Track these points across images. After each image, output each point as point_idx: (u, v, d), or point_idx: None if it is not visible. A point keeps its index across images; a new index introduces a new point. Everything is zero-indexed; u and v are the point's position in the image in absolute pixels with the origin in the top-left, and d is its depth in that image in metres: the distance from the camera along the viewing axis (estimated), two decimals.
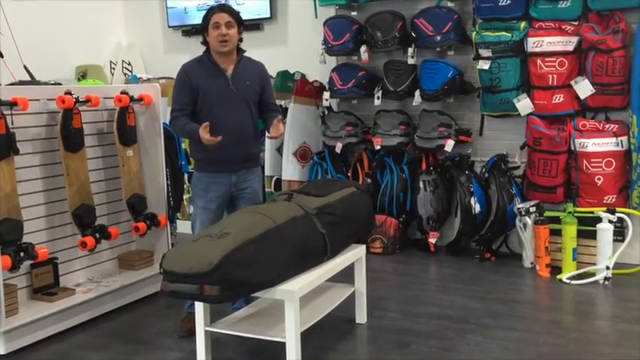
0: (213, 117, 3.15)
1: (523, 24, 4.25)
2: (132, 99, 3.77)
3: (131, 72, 5.95)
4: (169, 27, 5.97)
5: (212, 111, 3.17)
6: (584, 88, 4.12)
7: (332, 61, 5.11)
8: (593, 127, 4.13)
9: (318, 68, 5.15)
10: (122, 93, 3.74)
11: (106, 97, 3.75)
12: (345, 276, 3.30)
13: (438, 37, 4.48)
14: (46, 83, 3.81)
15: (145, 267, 3.94)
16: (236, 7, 3.53)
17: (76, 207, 3.47)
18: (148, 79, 5.52)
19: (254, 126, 3.35)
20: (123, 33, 6.23)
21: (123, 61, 5.99)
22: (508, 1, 4.26)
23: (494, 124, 4.61)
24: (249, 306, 3.10)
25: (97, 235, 3.57)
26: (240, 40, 3.28)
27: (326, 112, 5.09)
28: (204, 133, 3.03)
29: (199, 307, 2.81)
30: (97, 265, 3.84)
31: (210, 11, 3.24)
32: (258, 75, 3.34)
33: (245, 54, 3.33)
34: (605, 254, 3.88)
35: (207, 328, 2.84)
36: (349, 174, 4.97)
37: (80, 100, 3.48)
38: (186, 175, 4.52)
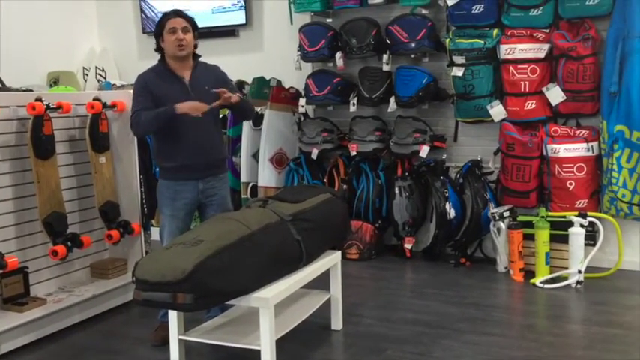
0: (177, 126, 3.13)
1: (495, 31, 4.31)
2: (105, 105, 3.73)
3: (105, 78, 5.89)
4: (144, 33, 5.93)
5: (173, 119, 3.13)
6: (555, 94, 4.18)
7: (307, 68, 5.12)
8: (565, 133, 4.19)
9: (293, 75, 5.15)
10: (95, 99, 3.70)
11: (78, 104, 3.71)
12: (321, 282, 3.29)
13: (413, 44, 4.52)
14: (17, 90, 3.75)
15: (118, 275, 3.88)
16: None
17: (46, 215, 3.41)
18: (122, 86, 5.46)
19: (217, 131, 3.34)
20: (96, 39, 6.17)
21: (96, 67, 5.93)
22: (481, 9, 4.32)
23: (469, 130, 4.66)
24: (223, 314, 3.08)
25: (69, 244, 3.52)
26: (195, 45, 3.27)
27: (302, 119, 5.09)
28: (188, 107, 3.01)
29: (173, 316, 2.78)
30: (68, 274, 3.78)
31: (165, 17, 3.22)
32: (216, 78, 3.31)
33: (202, 59, 3.33)
34: (577, 258, 3.94)
35: (181, 337, 2.81)
36: (325, 180, 4.97)
37: (51, 106, 3.43)
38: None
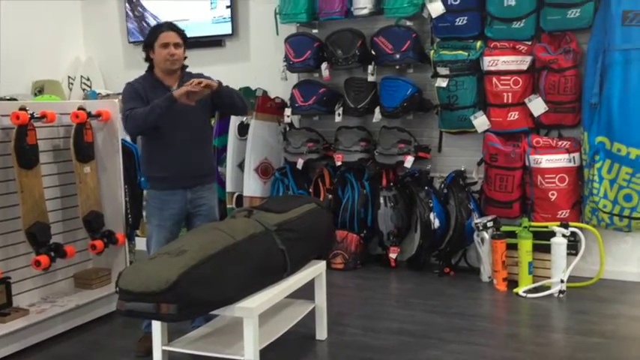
0: (164, 135, 3.14)
1: (479, 43, 4.36)
2: (89, 115, 3.71)
3: (90, 87, 5.87)
4: (130, 42, 5.93)
5: (162, 129, 3.13)
6: (537, 105, 4.24)
7: (293, 78, 5.15)
8: (547, 143, 4.24)
9: (279, 85, 5.18)
10: (79, 109, 3.69)
11: (62, 113, 3.69)
12: (306, 292, 3.30)
13: (397, 56, 4.56)
14: (1, 99, 3.73)
15: (101, 286, 3.86)
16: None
17: (30, 225, 3.39)
18: (107, 95, 5.46)
19: (206, 140, 3.35)
20: (82, 48, 6.16)
21: (82, 76, 5.92)
22: (464, 21, 4.38)
23: (453, 140, 4.70)
24: (207, 324, 3.07)
25: (52, 254, 3.49)
26: (185, 57, 3.29)
27: (287, 129, 5.11)
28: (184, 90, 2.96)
29: (157, 326, 2.77)
30: (51, 285, 3.75)
31: (158, 29, 3.23)
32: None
33: (188, 69, 3.34)
34: (560, 268, 3.98)
35: (164, 348, 2.80)
36: (311, 190, 4.99)
37: (35, 116, 3.41)
38: (145, 192, 4.47)
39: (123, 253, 3.95)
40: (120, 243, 3.87)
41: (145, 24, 5.77)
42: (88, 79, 5.93)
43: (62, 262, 3.72)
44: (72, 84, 5.89)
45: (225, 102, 3.27)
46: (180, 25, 3.32)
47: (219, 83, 3.18)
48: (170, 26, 3.25)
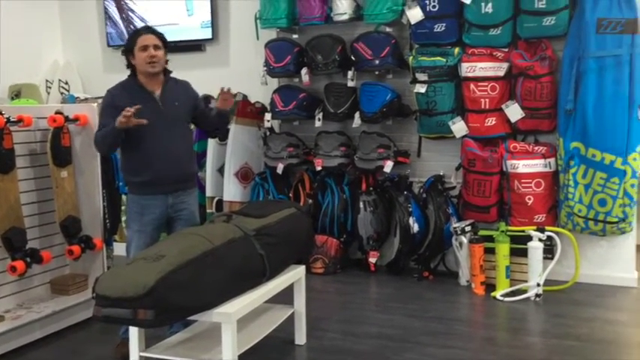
0: (146, 140, 3.13)
1: (457, 50, 4.41)
2: (67, 119, 3.69)
3: (68, 91, 5.82)
4: (109, 46, 5.89)
5: (144, 134, 3.13)
6: (514, 111, 4.30)
7: (273, 83, 5.15)
8: (524, 149, 4.30)
9: (259, 90, 5.18)
10: (57, 113, 3.66)
11: (39, 117, 3.66)
12: (285, 297, 3.30)
13: (377, 61, 4.59)
14: None
15: (79, 292, 3.83)
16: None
17: (5, 230, 3.35)
18: (86, 99, 5.41)
19: (187, 146, 3.35)
20: (60, 51, 6.10)
21: (60, 80, 5.86)
22: (443, 28, 4.42)
23: (431, 145, 4.74)
24: (186, 330, 3.06)
25: (28, 259, 3.46)
26: (166, 61, 3.28)
27: (267, 133, 5.11)
28: (121, 117, 2.97)
29: (134, 332, 2.75)
30: (27, 291, 3.71)
31: (136, 33, 3.23)
32: (186, 94, 3.35)
33: (172, 74, 3.34)
34: (536, 271, 4.03)
35: (142, 354, 2.78)
36: (291, 195, 4.99)
37: (12, 120, 3.38)
38: (124, 197, 4.44)
39: (100, 258, 3.92)
40: (97, 248, 3.84)
41: (132, 27, 5.72)
42: (67, 83, 5.88)
43: (38, 268, 3.69)
44: (50, 88, 5.84)
45: (212, 123, 3.35)
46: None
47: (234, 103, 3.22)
48: (148, 29, 3.25)
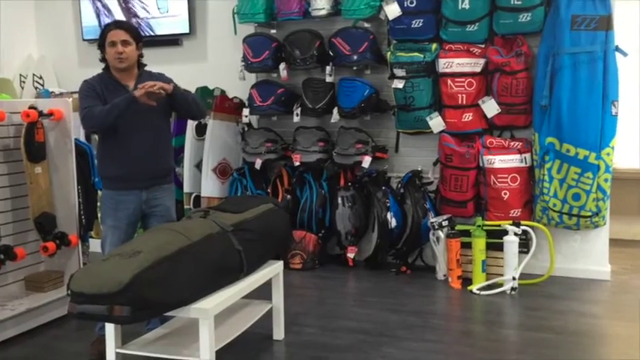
0: (121, 134, 3.10)
1: (434, 45, 4.44)
2: (41, 114, 3.63)
3: (43, 86, 5.73)
4: (84, 40, 5.81)
5: (119, 128, 3.10)
6: (490, 107, 4.34)
7: (251, 78, 5.13)
8: (500, 144, 4.34)
9: (237, 85, 5.16)
10: (30, 108, 3.60)
11: (12, 112, 3.60)
12: (264, 292, 3.30)
13: (355, 57, 4.60)
14: None
15: (54, 288, 3.78)
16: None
17: None
18: (61, 94, 5.34)
19: (163, 140, 3.31)
20: (34, 45, 6.01)
21: (34, 74, 5.77)
22: (420, 24, 4.44)
23: (409, 141, 4.77)
24: (163, 326, 3.04)
25: (2, 256, 3.41)
26: (141, 55, 3.25)
27: (245, 129, 5.10)
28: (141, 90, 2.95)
29: (110, 329, 2.73)
30: (1, 288, 3.65)
31: (107, 28, 3.20)
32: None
33: (146, 68, 3.30)
34: (512, 265, 4.08)
35: (118, 350, 2.76)
36: (269, 190, 4.99)
37: None
38: (100, 192, 4.39)
39: (76, 255, 3.87)
40: (73, 245, 3.79)
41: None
42: (41, 78, 5.79)
43: (12, 265, 3.63)
44: (24, 82, 5.74)
45: (179, 106, 3.26)
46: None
47: (174, 87, 3.15)
48: (118, 24, 3.22)
